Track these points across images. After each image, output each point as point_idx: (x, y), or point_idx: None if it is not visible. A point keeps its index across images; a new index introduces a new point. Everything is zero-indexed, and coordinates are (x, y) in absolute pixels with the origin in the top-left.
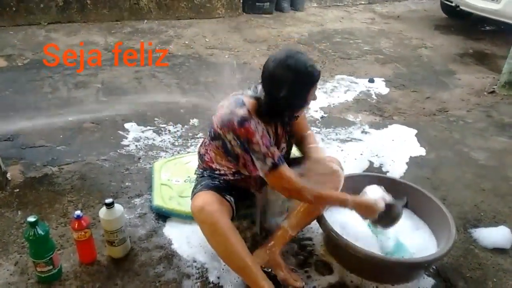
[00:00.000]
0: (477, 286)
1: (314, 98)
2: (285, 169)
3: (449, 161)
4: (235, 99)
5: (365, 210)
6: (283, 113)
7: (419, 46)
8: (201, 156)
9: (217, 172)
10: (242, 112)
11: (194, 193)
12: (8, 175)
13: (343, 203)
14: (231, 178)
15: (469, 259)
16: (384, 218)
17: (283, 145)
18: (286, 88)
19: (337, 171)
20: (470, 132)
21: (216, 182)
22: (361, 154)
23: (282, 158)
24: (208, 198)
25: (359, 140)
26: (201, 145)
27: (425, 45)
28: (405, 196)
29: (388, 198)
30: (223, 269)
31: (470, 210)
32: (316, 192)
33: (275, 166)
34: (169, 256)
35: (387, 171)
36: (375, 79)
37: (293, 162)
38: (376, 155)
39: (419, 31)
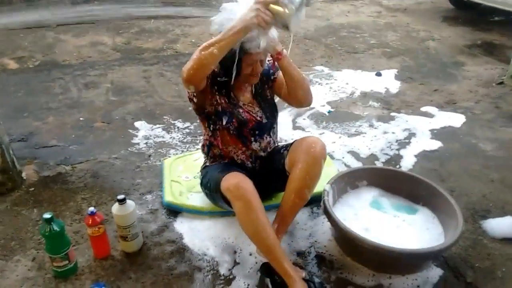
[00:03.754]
0: (485, 275)
1: (256, 71)
2: None
3: (457, 152)
4: None
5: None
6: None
7: (427, 39)
8: (208, 149)
9: (228, 153)
10: None
11: (211, 180)
12: (23, 174)
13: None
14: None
15: (478, 250)
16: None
17: (257, 108)
18: None
19: (315, 141)
20: (478, 123)
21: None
22: (369, 148)
23: None
24: (242, 177)
25: (367, 134)
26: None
27: (433, 37)
28: None
29: None
30: (236, 260)
31: (478, 201)
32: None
33: None
34: (181, 250)
35: (396, 164)
36: (382, 72)
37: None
38: (385, 148)
39: (426, 23)
